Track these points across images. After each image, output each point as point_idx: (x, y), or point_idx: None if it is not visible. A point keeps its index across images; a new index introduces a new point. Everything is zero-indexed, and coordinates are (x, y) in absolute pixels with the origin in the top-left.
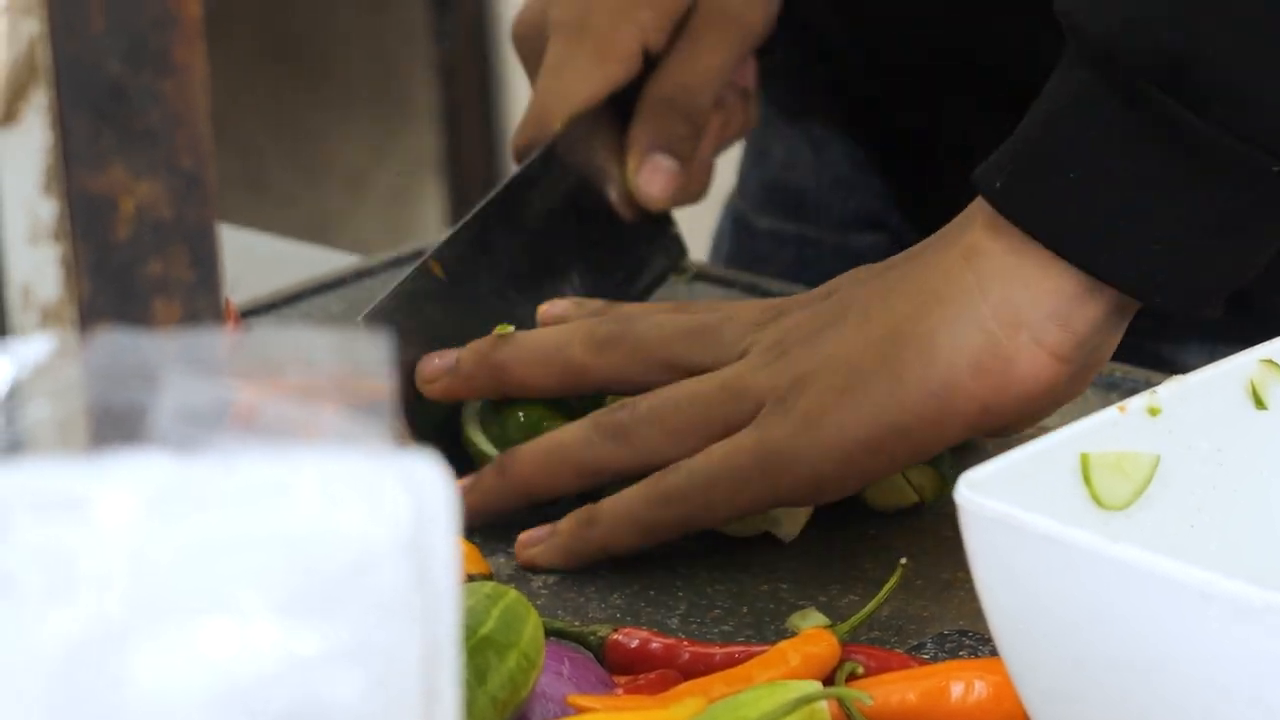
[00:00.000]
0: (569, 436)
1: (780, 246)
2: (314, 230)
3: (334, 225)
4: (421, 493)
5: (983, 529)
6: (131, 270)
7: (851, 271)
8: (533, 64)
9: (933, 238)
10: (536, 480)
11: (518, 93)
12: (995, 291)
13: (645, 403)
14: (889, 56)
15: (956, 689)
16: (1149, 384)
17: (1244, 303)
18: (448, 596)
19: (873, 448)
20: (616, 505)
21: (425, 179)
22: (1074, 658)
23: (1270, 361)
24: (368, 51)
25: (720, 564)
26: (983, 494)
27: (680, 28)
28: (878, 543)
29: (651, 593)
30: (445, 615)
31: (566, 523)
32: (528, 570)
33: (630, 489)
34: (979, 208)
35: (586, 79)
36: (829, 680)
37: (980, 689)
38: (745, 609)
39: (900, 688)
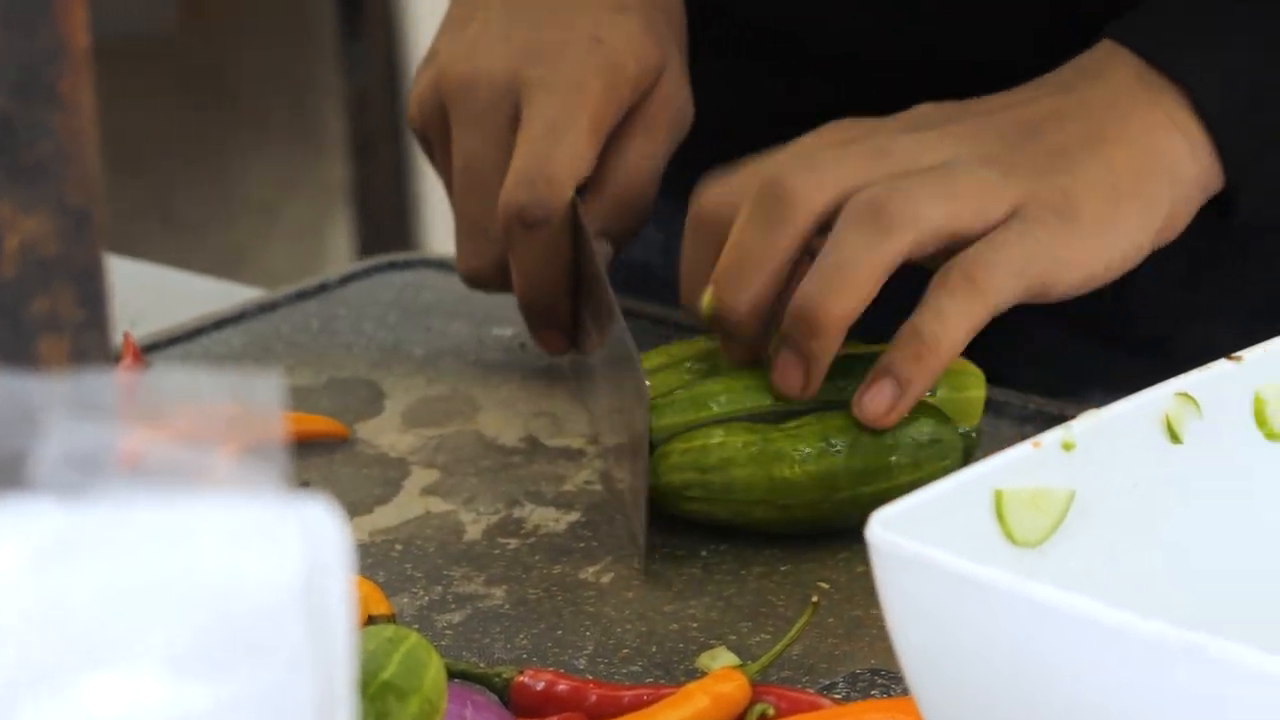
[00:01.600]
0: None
1: None
2: (224, 262)
3: (244, 257)
4: (316, 538)
5: (894, 568)
6: (16, 308)
7: (1016, 93)
8: (441, 145)
9: (1116, 79)
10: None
11: None
12: (1202, 158)
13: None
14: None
15: None
16: (1063, 417)
17: (1158, 348)
18: (344, 644)
19: (1128, 258)
20: (946, 322)
21: (336, 210)
22: (988, 700)
23: (1185, 395)
24: (278, 82)
25: (629, 602)
26: (895, 532)
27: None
28: (789, 579)
29: (559, 633)
30: (341, 664)
31: (904, 367)
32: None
33: (947, 305)
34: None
35: (589, 144)
36: None
37: None
38: (654, 649)
39: None
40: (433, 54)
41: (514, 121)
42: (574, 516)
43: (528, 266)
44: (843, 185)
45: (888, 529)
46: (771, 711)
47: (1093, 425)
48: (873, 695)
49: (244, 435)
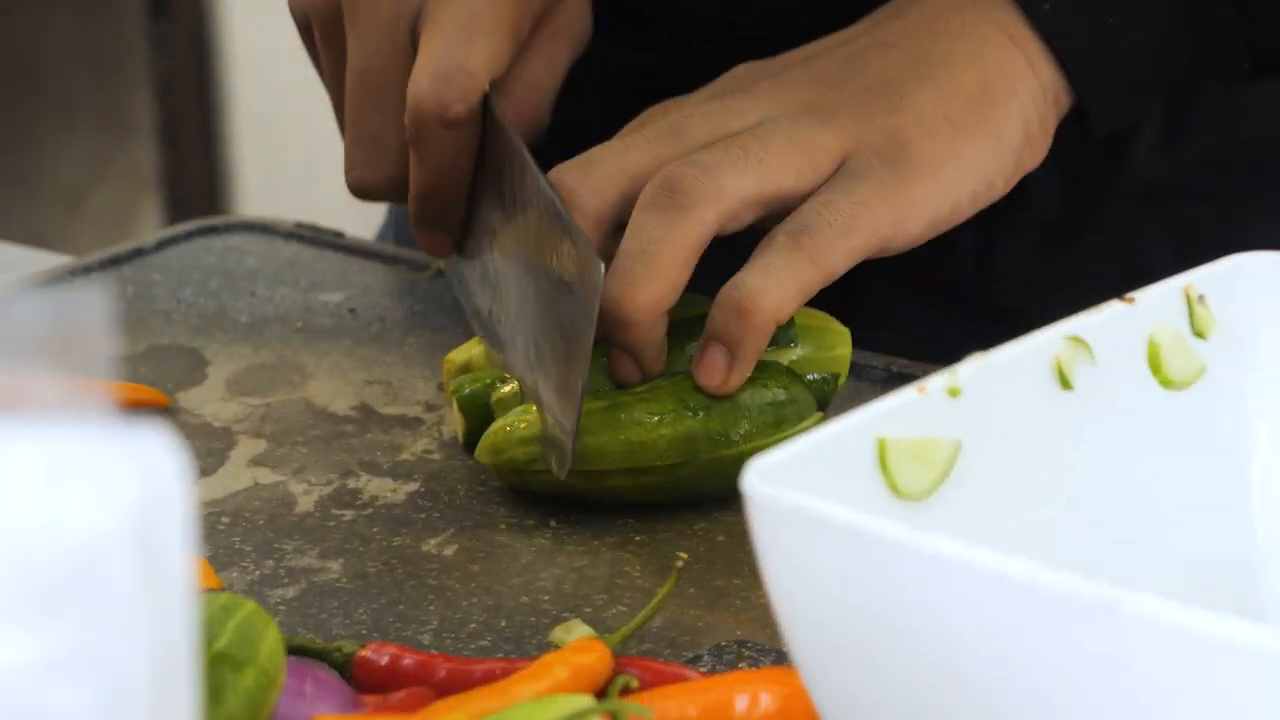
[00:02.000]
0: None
1: None
2: (29, 246)
3: (50, 242)
4: (152, 473)
5: (773, 521)
6: None
7: (852, 30)
8: (329, 41)
9: (920, 8)
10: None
11: (238, 105)
12: (1043, 72)
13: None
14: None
15: (741, 702)
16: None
17: (1020, 318)
18: (183, 596)
19: (979, 197)
20: (775, 280)
21: (144, 196)
22: (875, 662)
23: (1077, 339)
24: (84, 63)
25: (475, 575)
26: (772, 483)
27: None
28: (645, 550)
29: (400, 607)
30: (180, 618)
31: (729, 329)
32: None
33: (773, 262)
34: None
35: (507, 44)
36: (600, 696)
37: (766, 701)
38: (503, 622)
39: (680, 702)
40: None
41: (415, 30)
42: (413, 487)
43: (434, 165)
44: (629, 175)
45: (765, 480)
46: (635, 684)
47: (980, 369)
48: (740, 667)
49: (68, 357)
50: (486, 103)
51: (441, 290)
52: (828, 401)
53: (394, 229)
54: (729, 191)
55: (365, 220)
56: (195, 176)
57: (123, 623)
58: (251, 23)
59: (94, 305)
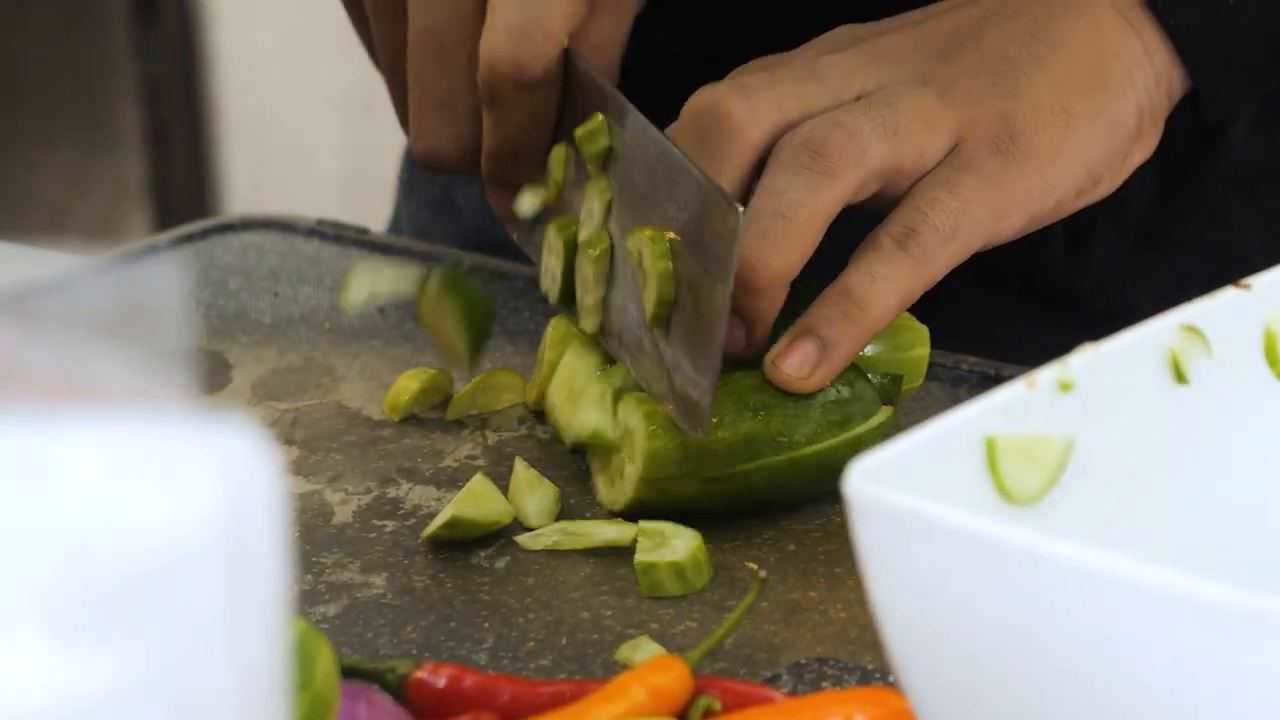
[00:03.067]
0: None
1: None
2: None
3: None
4: (237, 471)
5: (880, 526)
6: None
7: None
8: (384, 3)
9: None
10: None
11: (227, 113)
12: (1158, 59)
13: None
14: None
15: None
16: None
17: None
18: (273, 609)
19: (1085, 193)
20: (880, 288)
21: (130, 208)
22: (994, 676)
23: (1192, 328)
24: (67, 72)
25: (530, 589)
26: (878, 484)
27: None
28: (711, 560)
29: (451, 624)
30: (269, 634)
31: (830, 328)
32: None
33: (879, 269)
34: None
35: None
36: (682, 719)
37: None
38: (564, 640)
39: None
40: None
41: None
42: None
43: (512, 127)
44: (782, 112)
45: (870, 481)
46: (718, 706)
47: (1091, 362)
48: (823, 687)
49: (138, 338)
50: (567, 58)
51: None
52: (894, 399)
53: (407, 226)
54: (869, 159)
55: (362, 222)
56: (183, 184)
57: (207, 641)
58: (237, 26)
59: (168, 282)
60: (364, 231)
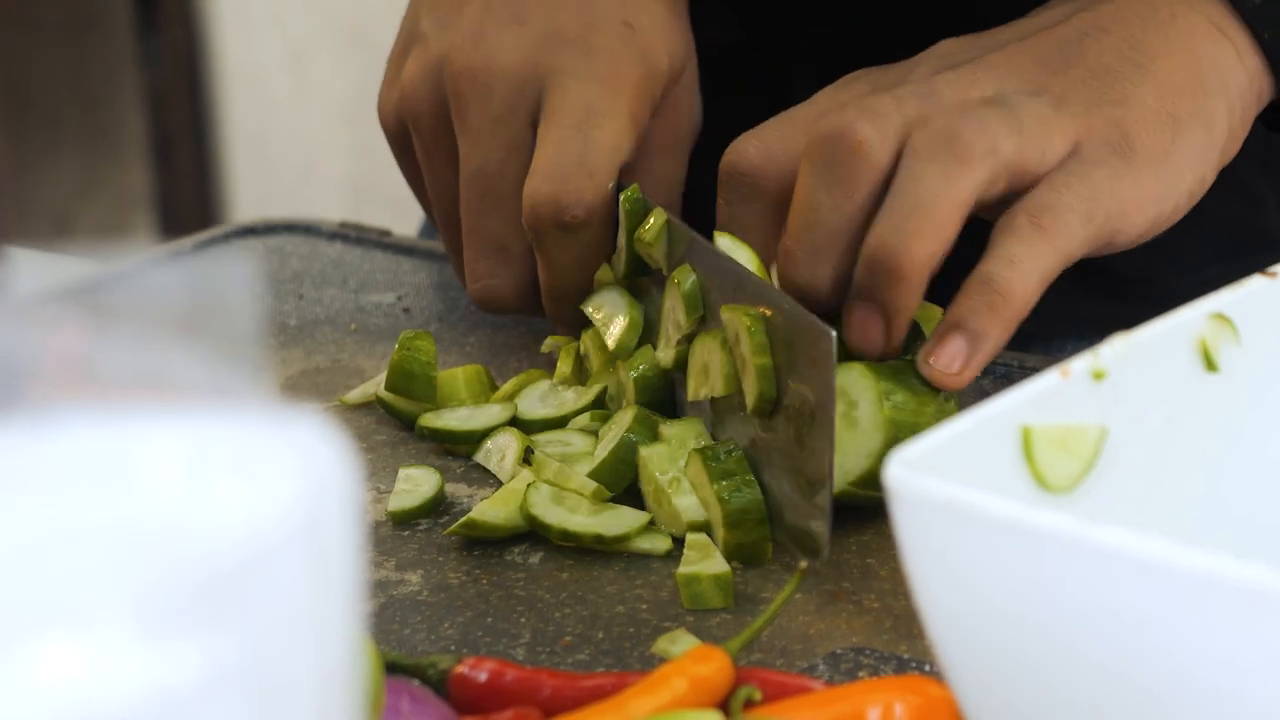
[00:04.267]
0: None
1: None
2: None
3: None
4: (314, 463)
5: (923, 516)
6: None
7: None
8: (434, 147)
9: None
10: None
11: (231, 121)
12: (1250, 65)
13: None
14: None
15: (873, 714)
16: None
17: (1141, 292)
18: (347, 601)
19: (1195, 195)
20: (1020, 272)
21: (135, 213)
22: (1036, 663)
23: (1221, 316)
24: (72, 81)
25: (565, 584)
26: (920, 474)
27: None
28: None
29: (488, 620)
30: (347, 625)
31: (977, 319)
32: None
33: (1018, 252)
34: None
35: (630, 135)
36: (722, 709)
37: (900, 712)
38: (600, 634)
39: (809, 715)
40: (417, 35)
41: (534, 120)
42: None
43: (561, 267)
44: (909, 130)
45: (910, 471)
46: (758, 695)
47: (1123, 351)
48: (860, 676)
49: (212, 334)
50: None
51: None
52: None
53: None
54: (1001, 151)
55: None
56: (187, 193)
57: (290, 633)
58: (242, 35)
59: (237, 274)
60: (386, 234)
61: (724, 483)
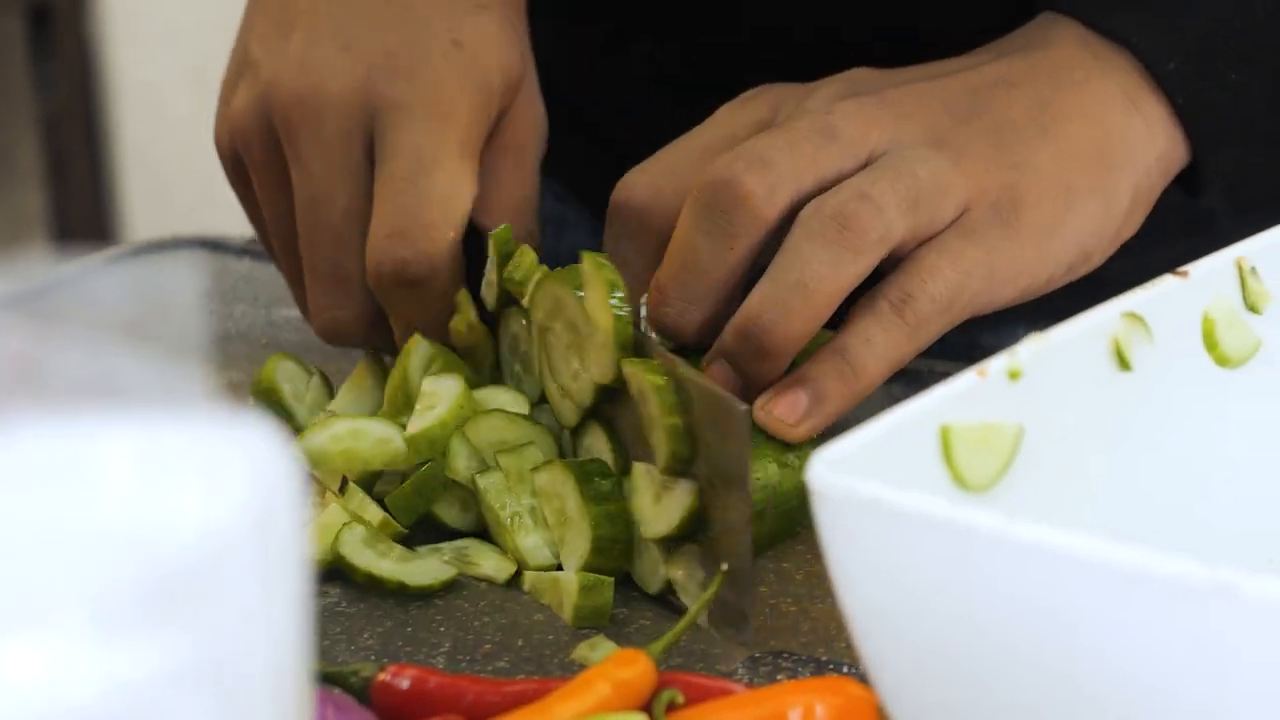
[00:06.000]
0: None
1: None
2: None
3: None
4: (263, 464)
5: (847, 515)
6: None
7: (947, 64)
8: (265, 175)
9: (1061, 47)
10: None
11: (126, 143)
12: (1160, 139)
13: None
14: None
15: (794, 715)
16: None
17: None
18: (300, 599)
19: (1075, 269)
20: (874, 351)
21: (29, 236)
22: (962, 663)
23: (1134, 316)
24: None
25: (484, 593)
26: (843, 475)
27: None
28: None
29: (409, 629)
30: (295, 621)
31: (824, 381)
32: None
33: (875, 334)
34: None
35: (466, 178)
36: (647, 713)
37: (821, 712)
38: (520, 642)
39: (731, 717)
40: (248, 62)
41: (367, 147)
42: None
43: (412, 317)
44: (799, 185)
45: (833, 471)
46: (681, 699)
47: (1039, 351)
48: (779, 679)
49: (153, 332)
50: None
51: None
52: None
53: None
54: (892, 235)
55: None
56: (83, 215)
57: (244, 628)
58: (138, 57)
59: (181, 282)
60: None
61: (598, 507)
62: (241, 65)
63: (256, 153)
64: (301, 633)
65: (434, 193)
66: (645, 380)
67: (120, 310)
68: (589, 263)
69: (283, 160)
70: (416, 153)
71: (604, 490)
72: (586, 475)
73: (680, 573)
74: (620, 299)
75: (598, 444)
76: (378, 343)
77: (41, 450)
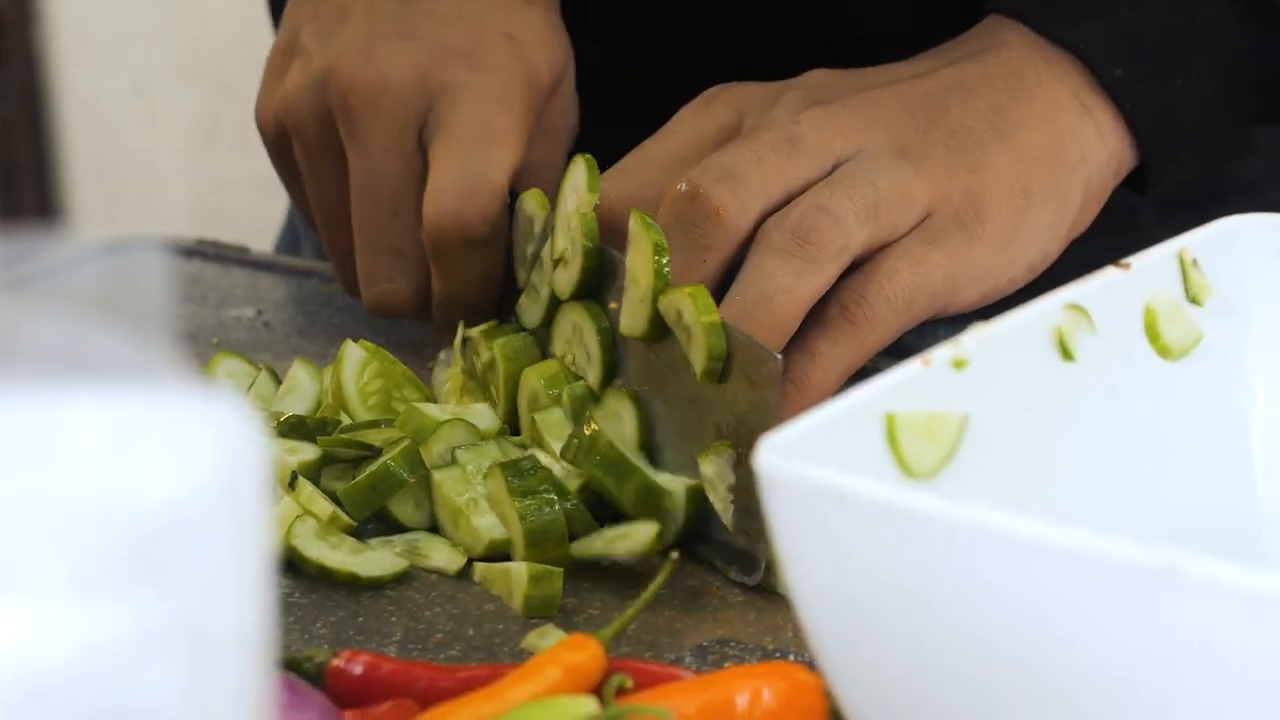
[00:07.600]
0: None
1: None
2: None
3: None
4: (230, 434)
5: (794, 500)
6: None
7: (892, 68)
8: (317, 155)
9: (1013, 51)
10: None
11: (75, 153)
12: (1110, 140)
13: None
14: None
15: (741, 699)
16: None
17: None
18: (266, 565)
19: (1035, 269)
20: (820, 365)
21: None
22: (911, 647)
23: (1077, 307)
24: None
25: (434, 583)
26: (792, 459)
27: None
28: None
29: (360, 619)
30: (262, 589)
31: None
32: None
33: (822, 347)
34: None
35: (521, 152)
36: (595, 696)
37: (768, 696)
38: (470, 631)
39: (678, 701)
40: (298, 47)
41: (420, 134)
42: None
43: (460, 280)
44: (769, 197)
45: (781, 456)
46: (630, 684)
47: (983, 340)
48: (726, 667)
49: (125, 310)
50: (514, 202)
51: (356, 301)
52: None
53: (301, 240)
54: (852, 245)
55: None
56: (31, 221)
57: (213, 592)
58: (85, 67)
59: (150, 268)
60: (244, 250)
61: (526, 501)
62: (291, 49)
63: (310, 130)
64: (266, 594)
65: (498, 158)
66: (683, 291)
67: (87, 286)
68: (637, 221)
69: (336, 140)
70: (479, 122)
71: (531, 485)
72: (518, 472)
73: (711, 469)
74: (665, 262)
75: (623, 408)
76: (424, 316)
77: (12, 419)
